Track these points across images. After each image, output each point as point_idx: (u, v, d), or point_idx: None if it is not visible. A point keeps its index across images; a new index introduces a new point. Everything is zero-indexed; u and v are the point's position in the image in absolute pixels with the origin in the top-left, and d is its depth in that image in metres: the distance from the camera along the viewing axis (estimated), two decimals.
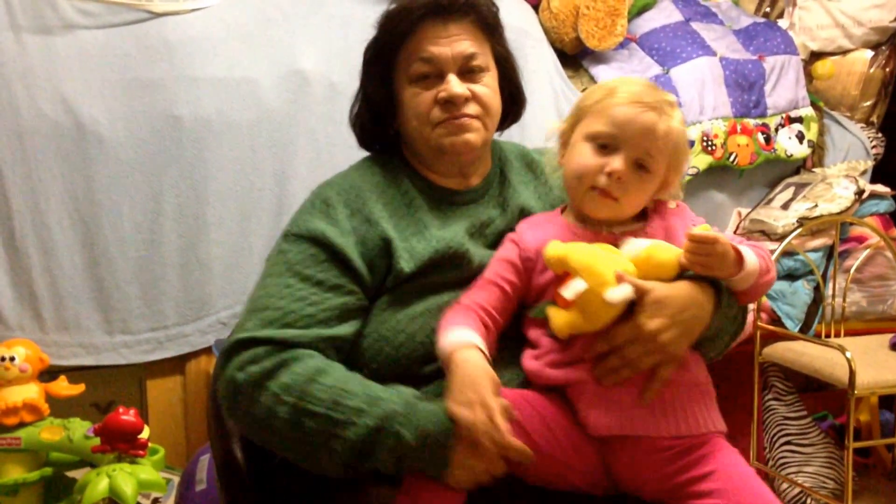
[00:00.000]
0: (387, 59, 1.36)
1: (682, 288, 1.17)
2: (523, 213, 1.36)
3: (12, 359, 1.94)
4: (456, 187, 1.37)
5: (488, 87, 1.34)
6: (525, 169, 1.44)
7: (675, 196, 1.30)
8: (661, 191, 1.26)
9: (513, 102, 1.43)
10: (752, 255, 1.19)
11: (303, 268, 1.24)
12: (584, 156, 1.22)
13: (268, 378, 1.15)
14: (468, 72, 1.33)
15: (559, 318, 1.16)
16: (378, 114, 1.39)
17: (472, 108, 1.31)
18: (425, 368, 1.22)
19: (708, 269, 1.16)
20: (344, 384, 1.15)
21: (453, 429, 1.08)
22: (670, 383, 1.15)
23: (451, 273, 1.27)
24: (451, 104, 1.30)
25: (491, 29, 1.38)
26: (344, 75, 2.24)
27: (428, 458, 1.09)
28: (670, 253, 1.17)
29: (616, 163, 1.19)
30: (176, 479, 2.06)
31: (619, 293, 1.11)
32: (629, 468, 1.16)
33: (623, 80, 1.28)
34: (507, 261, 1.25)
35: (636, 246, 1.18)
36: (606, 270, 1.12)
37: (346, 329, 1.22)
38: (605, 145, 1.21)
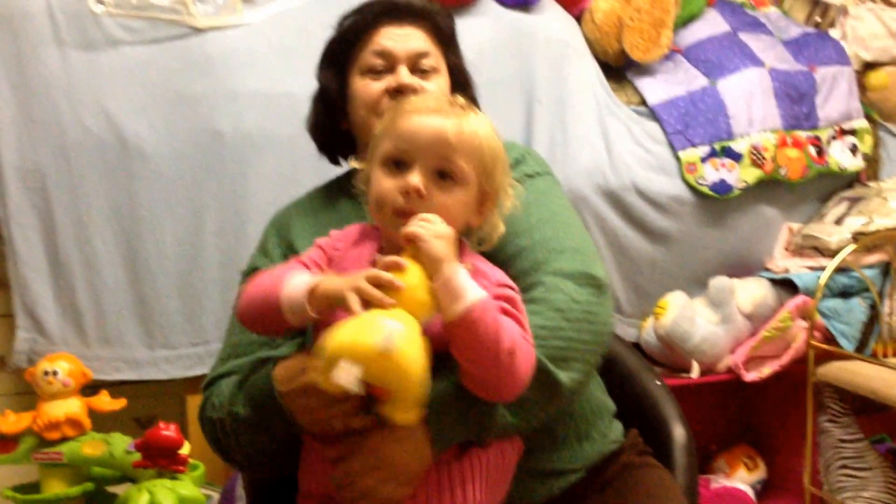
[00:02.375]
0: (343, 56, 1.43)
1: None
2: None
3: (55, 373, 1.94)
4: None
5: (438, 87, 1.39)
6: None
7: (494, 228, 1.16)
8: (483, 204, 1.14)
9: None
10: (475, 288, 1.00)
11: None
12: (380, 181, 1.10)
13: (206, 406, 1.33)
14: (420, 70, 1.39)
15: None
16: (330, 106, 1.44)
17: None
18: None
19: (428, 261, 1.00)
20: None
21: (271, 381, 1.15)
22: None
23: None
24: (400, 94, 1.32)
25: (446, 38, 1.44)
26: None
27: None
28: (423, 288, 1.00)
29: (413, 178, 1.06)
30: (216, 496, 2.06)
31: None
32: None
33: (412, 97, 1.18)
34: (319, 246, 1.18)
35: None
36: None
37: (286, 349, 1.30)
38: (399, 164, 1.09)
